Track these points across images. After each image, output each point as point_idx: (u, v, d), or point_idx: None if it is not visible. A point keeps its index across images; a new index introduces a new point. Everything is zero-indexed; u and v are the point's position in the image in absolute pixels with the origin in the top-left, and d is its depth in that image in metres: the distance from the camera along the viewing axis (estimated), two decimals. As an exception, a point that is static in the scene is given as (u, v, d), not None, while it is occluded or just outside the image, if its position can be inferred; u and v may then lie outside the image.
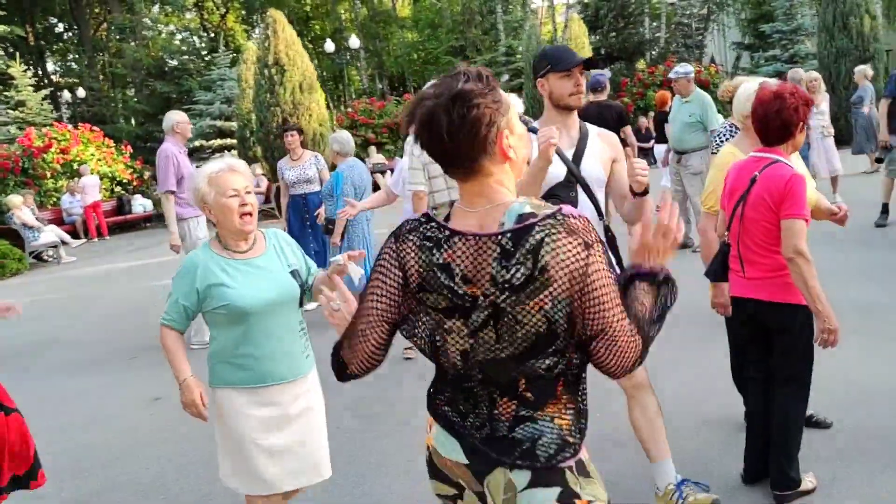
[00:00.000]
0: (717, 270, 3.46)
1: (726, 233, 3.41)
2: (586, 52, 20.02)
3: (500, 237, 1.68)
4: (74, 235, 17.23)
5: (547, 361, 1.72)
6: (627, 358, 1.72)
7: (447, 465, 1.86)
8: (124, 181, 19.07)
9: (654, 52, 29.43)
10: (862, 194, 10.03)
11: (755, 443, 3.50)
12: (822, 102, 10.19)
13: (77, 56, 40.90)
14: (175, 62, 37.38)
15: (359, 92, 36.88)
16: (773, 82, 3.79)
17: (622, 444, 4.04)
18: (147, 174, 20.08)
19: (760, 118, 3.28)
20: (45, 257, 15.47)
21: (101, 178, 18.43)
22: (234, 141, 20.25)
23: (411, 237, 1.80)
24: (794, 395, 3.33)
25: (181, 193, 7.07)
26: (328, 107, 20.55)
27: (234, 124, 20.44)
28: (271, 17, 16.67)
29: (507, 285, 1.66)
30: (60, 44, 41.22)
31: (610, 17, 27.20)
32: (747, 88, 4.01)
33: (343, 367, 1.92)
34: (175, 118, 7.36)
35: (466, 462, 1.82)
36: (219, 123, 20.79)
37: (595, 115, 8.44)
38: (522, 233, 1.66)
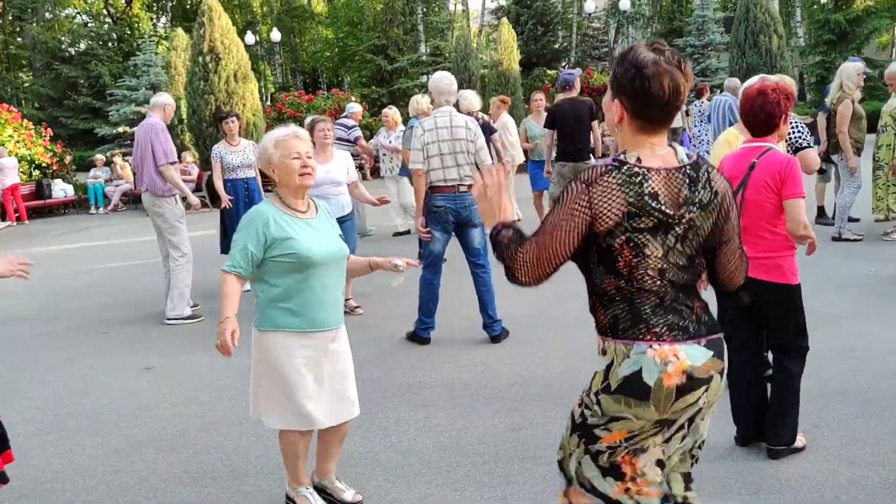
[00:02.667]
0: None
1: None
2: (515, 57, 20.60)
3: (686, 168, 2.24)
4: (-9, 218, 16.62)
5: (701, 263, 2.32)
6: (737, 267, 2.44)
7: (702, 369, 2.20)
8: (43, 165, 18.43)
9: (570, 60, 30.44)
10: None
11: (746, 408, 3.90)
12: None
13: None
14: (83, 46, 36.17)
15: (275, 85, 36.61)
16: (773, 78, 4.30)
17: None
18: (68, 158, 19.45)
19: (747, 112, 3.76)
20: (-37, 240, 14.87)
21: (20, 161, 17.78)
22: (160, 128, 19.85)
23: (608, 178, 2.17)
24: (794, 363, 3.75)
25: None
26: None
27: (149, 111, 19.96)
28: (207, 5, 16.53)
29: (698, 204, 2.22)
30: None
31: (530, 25, 27.99)
32: (749, 83, 4.52)
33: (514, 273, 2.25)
34: (166, 100, 7.49)
35: (713, 354, 2.24)
36: (143, 110, 20.29)
37: (568, 110, 8.97)
38: (697, 166, 2.26)
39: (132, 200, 19.12)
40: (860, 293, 6.64)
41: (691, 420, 2.27)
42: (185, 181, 11.97)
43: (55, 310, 8.43)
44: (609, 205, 2.15)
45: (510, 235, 2.24)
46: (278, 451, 4.27)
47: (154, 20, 44.08)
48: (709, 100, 13.29)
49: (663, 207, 2.16)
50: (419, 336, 6.16)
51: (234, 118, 8.47)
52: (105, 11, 42.13)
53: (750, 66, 18.63)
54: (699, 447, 2.39)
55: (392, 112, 11.67)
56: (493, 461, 4.06)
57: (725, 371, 2.29)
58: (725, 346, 2.32)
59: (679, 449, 2.32)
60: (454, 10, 39.64)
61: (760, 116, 3.70)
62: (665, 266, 2.19)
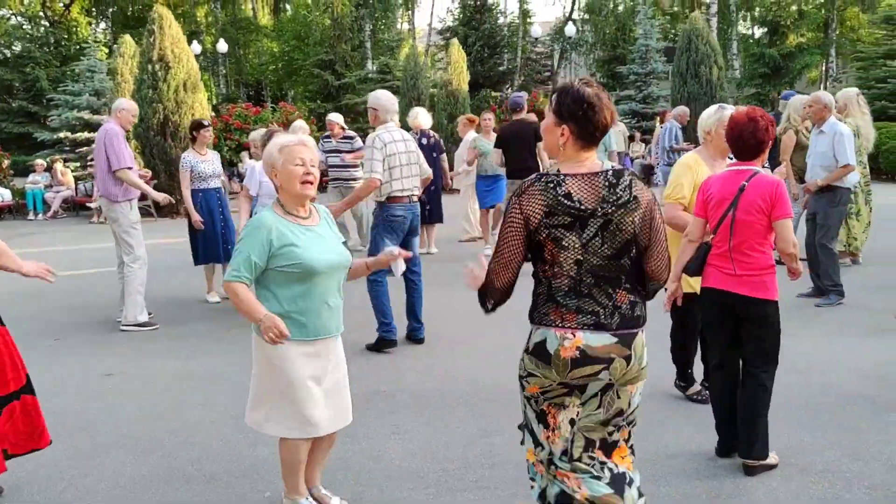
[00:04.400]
0: (699, 267, 4.07)
1: (712, 236, 4.01)
2: (465, 77, 20.90)
3: (607, 174, 2.73)
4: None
5: (628, 260, 2.76)
6: (663, 267, 2.85)
7: (598, 348, 2.69)
8: (-24, 169, 17.93)
9: (514, 83, 30.94)
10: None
11: (726, 421, 4.09)
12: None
13: None
14: (18, 48, 35.24)
15: (218, 97, 36.24)
16: (731, 108, 4.58)
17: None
18: (6, 162, 18.95)
19: (736, 137, 3.96)
20: None
21: (-46, 165, 17.29)
22: (104, 135, 19.53)
23: (532, 188, 2.72)
24: (768, 377, 3.95)
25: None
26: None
27: (104, 118, 19.66)
28: (158, 13, 16.37)
29: (616, 203, 2.68)
30: None
31: (477, 46, 28.40)
32: (709, 110, 4.79)
33: (486, 302, 2.89)
34: (121, 105, 7.42)
35: (617, 340, 2.71)
36: (86, 116, 19.95)
37: (514, 131, 9.25)
38: (619, 174, 2.75)
39: (73, 207, 18.74)
40: (801, 312, 7.00)
41: (604, 392, 2.77)
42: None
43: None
44: (532, 207, 2.69)
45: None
46: (250, 454, 4.39)
47: (93, 25, 43.24)
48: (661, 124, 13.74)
49: (577, 204, 2.67)
50: (386, 340, 6.31)
51: (209, 127, 8.49)
52: (42, 14, 41.14)
53: (691, 94, 19.24)
54: (628, 423, 2.87)
55: (338, 119, 11.26)
56: (464, 467, 4.18)
57: (636, 358, 2.75)
58: (640, 339, 2.78)
59: (593, 416, 2.80)
60: (401, 28, 39.94)
61: (751, 142, 3.90)
62: (582, 258, 2.69)
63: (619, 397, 2.79)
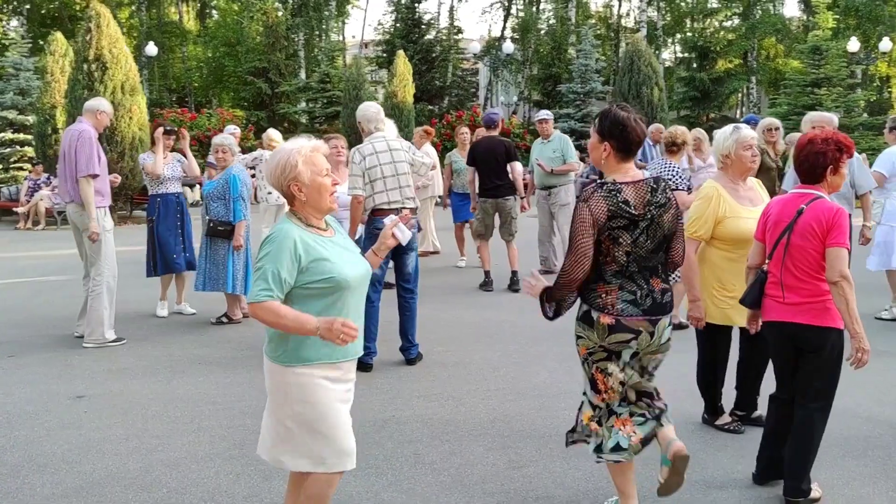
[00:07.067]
0: (756, 298, 3.88)
1: (767, 261, 3.84)
2: (410, 90, 20.66)
3: (650, 181, 3.36)
4: None
5: (663, 253, 3.41)
6: (682, 248, 3.54)
7: (630, 322, 3.30)
8: None
9: (453, 98, 30.86)
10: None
11: (771, 452, 3.92)
12: (709, 157, 11.29)
13: None
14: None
15: (147, 101, 34.98)
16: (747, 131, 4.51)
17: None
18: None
19: (797, 159, 3.79)
20: None
21: None
22: (31, 136, 18.49)
23: (597, 194, 3.28)
24: (821, 412, 3.76)
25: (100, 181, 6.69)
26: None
27: (29, 118, 18.66)
28: (95, 10, 15.59)
29: (657, 205, 3.31)
30: None
31: (415, 60, 28.18)
32: (724, 132, 4.64)
33: (548, 308, 3.47)
34: (101, 105, 6.89)
35: (645, 318, 3.32)
36: (11, 115, 18.85)
37: (485, 148, 9.03)
38: (658, 181, 3.40)
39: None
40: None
41: (633, 357, 3.39)
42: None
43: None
44: (599, 210, 3.26)
45: (550, 286, 3.43)
46: (267, 489, 3.99)
47: (3, 22, 41.25)
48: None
49: (632, 210, 3.26)
50: (361, 363, 5.92)
51: (174, 133, 8.19)
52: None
53: (633, 115, 19.43)
54: (652, 377, 3.52)
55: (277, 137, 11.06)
56: (509, 501, 3.90)
57: (657, 335, 3.36)
58: (664, 322, 3.38)
59: (634, 377, 3.45)
60: (338, 38, 39.41)
61: (804, 165, 3.75)
62: (631, 251, 3.29)
63: (647, 365, 3.47)
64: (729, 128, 4.68)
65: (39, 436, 4.77)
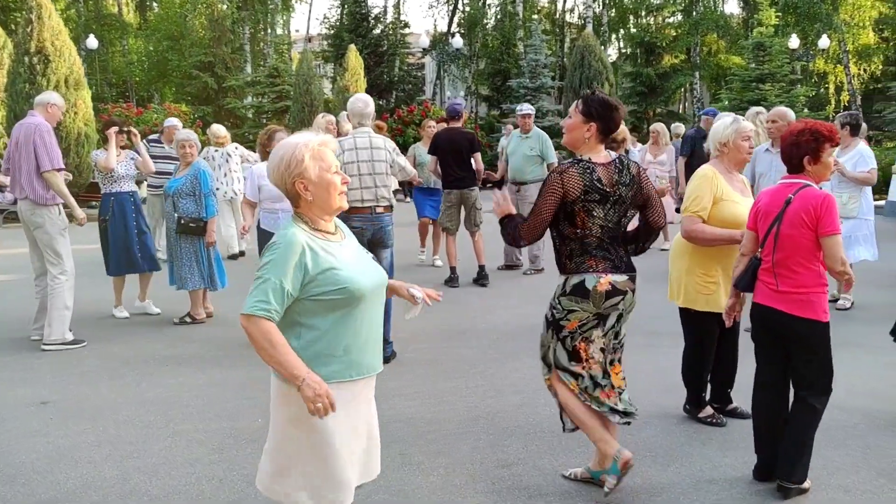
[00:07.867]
0: (749, 282, 3.90)
1: (760, 249, 3.85)
2: (362, 84, 20.48)
3: (616, 162, 3.69)
4: None
5: (626, 223, 3.77)
6: (659, 216, 3.83)
7: (620, 283, 3.66)
8: None
9: (401, 93, 30.70)
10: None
11: (768, 442, 3.91)
12: (663, 154, 11.39)
13: None
14: None
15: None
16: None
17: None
18: None
19: (784, 149, 3.84)
20: None
21: None
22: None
23: (572, 169, 3.59)
24: (818, 400, 3.77)
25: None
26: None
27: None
28: (35, 1, 15.06)
29: (623, 184, 3.65)
30: None
31: (364, 54, 27.94)
32: (724, 122, 4.68)
33: (513, 236, 3.78)
34: (51, 98, 6.63)
35: (627, 277, 3.71)
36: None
37: (447, 139, 8.96)
38: (622, 160, 3.72)
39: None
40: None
41: (617, 320, 3.71)
42: None
43: None
44: (573, 184, 3.57)
45: (516, 219, 3.79)
46: (253, 495, 3.86)
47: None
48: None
49: (604, 187, 3.60)
50: None
51: (125, 130, 7.92)
52: None
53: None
54: (621, 346, 3.84)
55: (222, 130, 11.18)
56: (501, 500, 3.84)
57: (632, 293, 3.72)
58: (635, 276, 3.76)
59: (612, 342, 3.75)
60: (282, 32, 38.90)
61: (785, 155, 3.85)
62: (603, 223, 3.63)
63: (623, 323, 3.77)
64: (728, 118, 4.73)
65: (5, 445, 4.56)
